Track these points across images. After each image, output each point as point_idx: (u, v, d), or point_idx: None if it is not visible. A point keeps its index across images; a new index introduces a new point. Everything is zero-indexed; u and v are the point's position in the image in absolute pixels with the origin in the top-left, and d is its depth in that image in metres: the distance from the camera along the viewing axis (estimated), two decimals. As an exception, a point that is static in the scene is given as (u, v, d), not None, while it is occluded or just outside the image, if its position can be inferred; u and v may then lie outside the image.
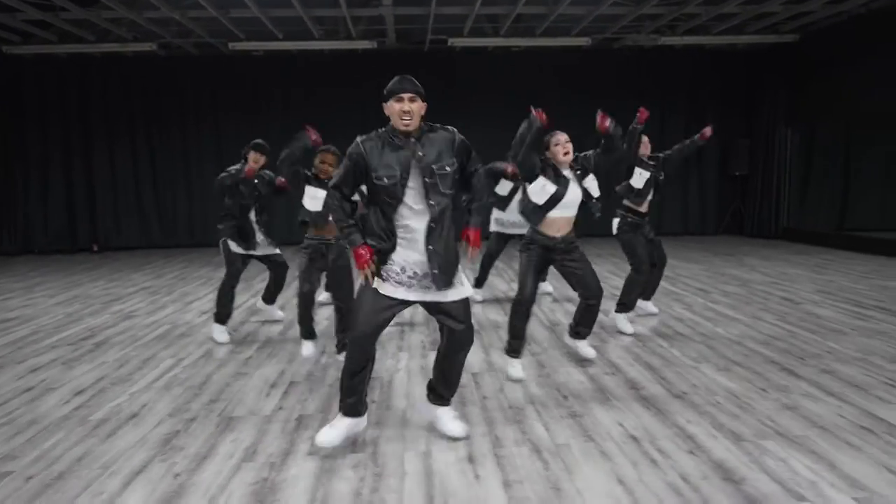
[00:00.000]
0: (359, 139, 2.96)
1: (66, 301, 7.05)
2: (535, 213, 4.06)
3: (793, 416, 3.44)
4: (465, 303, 3.07)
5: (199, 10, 9.01)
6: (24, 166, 11.57)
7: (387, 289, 2.94)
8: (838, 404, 3.60)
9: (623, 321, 5.25)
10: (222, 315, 5.25)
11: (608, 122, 4.10)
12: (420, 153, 2.89)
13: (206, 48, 11.28)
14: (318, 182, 4.42)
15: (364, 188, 3.09)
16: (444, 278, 2.96)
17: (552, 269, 4.72)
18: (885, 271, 7.99)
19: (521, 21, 10.45)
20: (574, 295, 6.39)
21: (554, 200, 3.99)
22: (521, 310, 4.14)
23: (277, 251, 5.42)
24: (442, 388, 3.25)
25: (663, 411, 3.55)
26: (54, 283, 8.24)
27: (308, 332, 4.69)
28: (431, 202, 2.90)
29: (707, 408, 3.58)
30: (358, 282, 3.08)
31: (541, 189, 4.00)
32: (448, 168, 2.94)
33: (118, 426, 3.48)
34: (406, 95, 2.86)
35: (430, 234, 2.91)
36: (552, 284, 7.01)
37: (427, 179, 2.89)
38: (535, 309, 6.15)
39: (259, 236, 5.25)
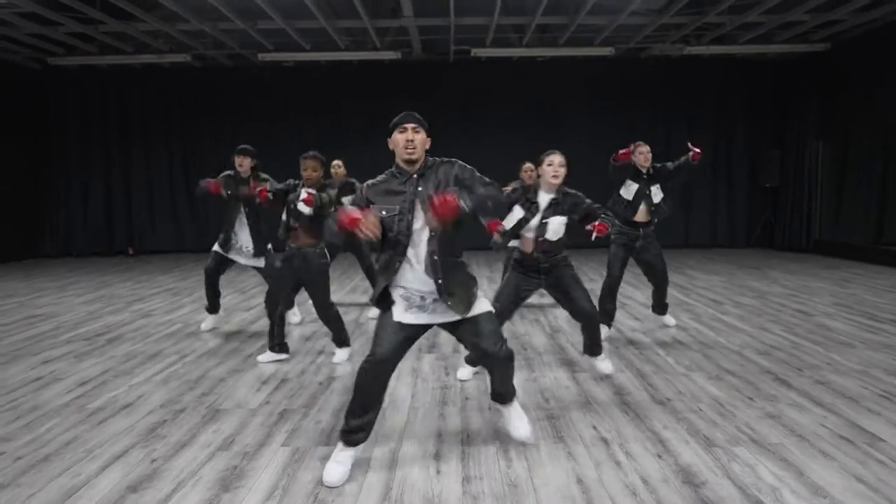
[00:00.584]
0: (364, 185, 3.00)
1: (92, 300, 7.35)
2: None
3: (773, 424, 3.39)
4: (490, 317, 2.98)
5: (229, 23, 9.34)
6: (65, 172, 12.12)
7: (407, 318, 2.88)
8: (824, 414, 3.52)
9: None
10: (208, 305, 5.68)
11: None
12: (420, 188, 2.85)
13: (237, 59, 11.66)
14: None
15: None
16: (460, 305, 2.87)
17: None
18: (914, 286, 7.72)
19: (545, 31, 10.50)
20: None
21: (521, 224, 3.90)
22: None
23: (262, 265, 5.53)
24: (501, 390, 3.17)
25: (641, 416, 3.53)
26: (86, 284, 8.60)
27: (278, 345, 4.69)
28: (432, 234, 2.82)
29: (687, 414, 3.55)
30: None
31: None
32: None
33: (111, 415, 3.64)
34: (409, 126, 2.88)
35: (435, 264, 2.82)
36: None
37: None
38: (539, 315, 6.19)
39: (245, 245, 5.49)
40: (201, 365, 4.65)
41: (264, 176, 5.45)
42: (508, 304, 4.03)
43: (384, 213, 2.84)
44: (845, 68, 10.56)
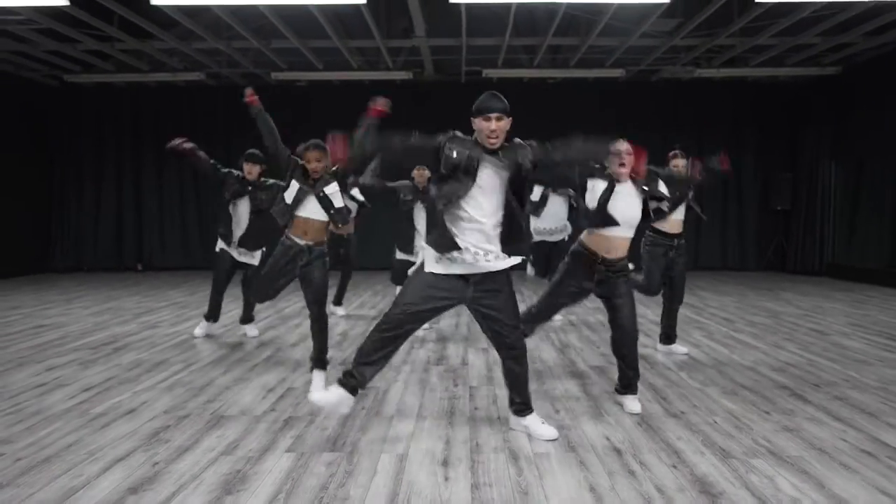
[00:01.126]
0: (447, 135, 3.14)
1: (99, 312, 7.33)
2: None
3: (791, 437, 3.29)
4: (513, 302, 3.22)
5: (243, 42, 9.46)
6: (78, 187, 12.22)
7: (440, 268, 3.06)
8: (843, 429, 3.42)
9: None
10: (208, 311, 5.75)
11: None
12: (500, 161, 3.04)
13: (251, 78, 11.77)
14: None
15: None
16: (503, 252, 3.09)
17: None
18: (931, 309, 7.59)
19: (556, 52, 10.56)
20: (592, 320, 6.27)
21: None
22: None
23: (255, 262, 5.66)
24: (518, 398, 3.36)
25: (654, 428, 3.44)
26: (94, 297, 8.59)
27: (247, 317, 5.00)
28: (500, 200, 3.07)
29: (702, 426, 3.46)
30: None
31: None
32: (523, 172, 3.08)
33: (113, 419, 3.59)
34: (494, 116, 3.01)
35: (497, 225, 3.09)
36: (574, 311, 6.95)
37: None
38: (550, 332, 6.11)
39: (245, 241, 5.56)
40: (207, 373, 4.59)
41: (270, 182, 5.53)
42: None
43: (455, 154, 3.02)
44: (857, 92, 10.55)
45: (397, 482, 2.77)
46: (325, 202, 4.17)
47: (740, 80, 11.60)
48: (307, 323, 5.99)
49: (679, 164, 5.07)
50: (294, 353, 5.21)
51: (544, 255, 6.41)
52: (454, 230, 3.06)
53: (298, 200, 4.15)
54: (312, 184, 4.21)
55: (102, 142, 12.22)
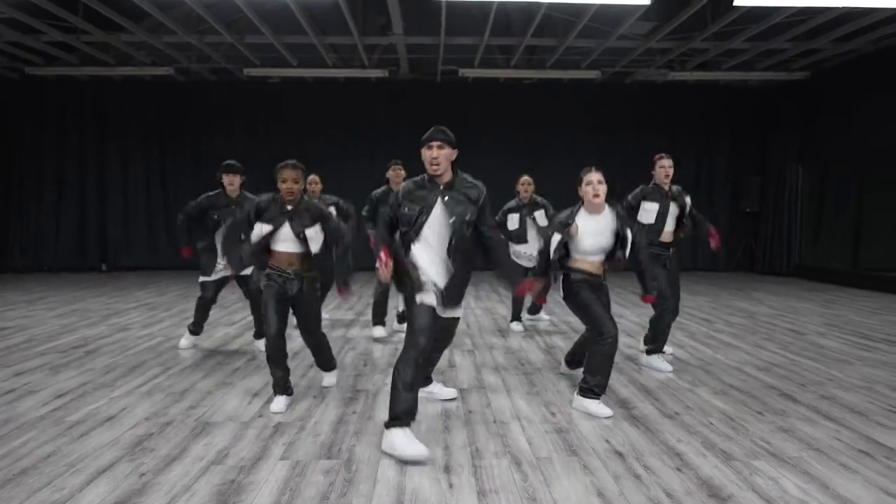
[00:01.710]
0: (401, 187, 3.41)
1: (64, 314, 7.04)
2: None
3: (788, 438, 3.30)
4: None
5: (216, 36, 9.22)
6: (39, 185, 11.77)
7: (431, 303, 3.21)
8: (836, 428, 3.45)
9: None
10: (194, 324, 5.32)
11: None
12: (446, 199, 3.25)
13: (222, 74, 11.51)
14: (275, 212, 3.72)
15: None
16: (451, 301, 3.29)
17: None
18: (897, 308, 7.80)
19: (532, 53, 10.56)
20: (573, 322, 6.25)
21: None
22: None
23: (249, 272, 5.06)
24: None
25: (652, 430, 3.42)
26: (58, 298, 8.26)
27: (282, 386, 3.77)
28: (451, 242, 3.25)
29: (699, 428, 3.45)
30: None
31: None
32: (467, 217, 3.26)
33: (92, 427, 3.41)
34: (434, 144, 3.22)
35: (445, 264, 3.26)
36: (554, 310, 6.93)
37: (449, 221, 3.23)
38: (534, 333, 6.08)
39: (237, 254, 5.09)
40: (186, 378, 4.42)
41: (249, 196, 5.19)
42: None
43: (406, 209, 3.27)
44: (823, 97, 10.81)
45: (400, 491, 2.68)
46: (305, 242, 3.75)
47: (712, 84, 11.79)
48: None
49: (665, 164, 5.03)
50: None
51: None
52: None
53: (273, 234, 3.73)
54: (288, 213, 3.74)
55: (64, 137, 11.79)
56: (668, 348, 5.16)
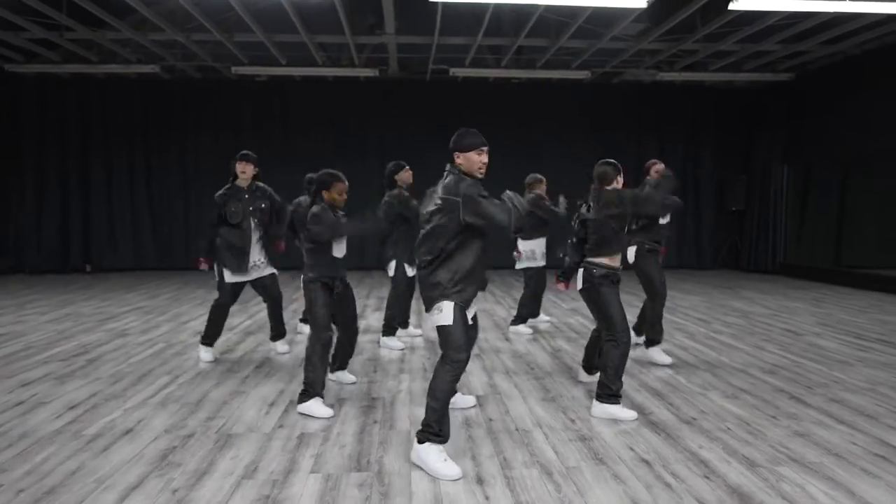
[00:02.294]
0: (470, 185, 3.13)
1: (57, 319, 6.91)
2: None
3: (805, 443, 3.38)
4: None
5: (205, 34, 9.09)
6: (19, 185, 11.50)
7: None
8: (850, 432, 3.53)
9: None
10: (209, 337, 5.11)
11: None
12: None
13: (208, 72, 11.35)
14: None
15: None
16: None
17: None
18: (883, 306, 8.00)
19: (523, 53, 10.58)
20: (573, 322, 6.29)
21: None
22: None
23: (272, 271, 5.12)
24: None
25: (673, 436, 3.47)
26: (46, 302, 8.10)
27: (321, 386, 3.89)
28: None
29: (718, 433, 3.51)
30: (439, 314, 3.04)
31: None
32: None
33: (112, 441, 3.36)
34: (486, 149, 3.19)
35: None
36: (550, 313, 6.98)
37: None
38: (538, 336, 6.12)
39: (256, 257, 5.00)
40: (198, 386, 4.38)
41: (262, 185, 5.14)
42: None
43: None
44: (808, 98, 11.01)
45: (437, 503, 2.69)
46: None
47: (699, 84, 11.93)
48: (288, 328, 5.79)
49: (660, 168, 5.18)
50: (283, 362, 5.04)
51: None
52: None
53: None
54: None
55: (45, 136, 11.52)
56: (665, 357, 5.25)
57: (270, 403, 4.02)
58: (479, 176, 3.16)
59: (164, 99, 11.68)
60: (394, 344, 5.54)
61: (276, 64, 10.45)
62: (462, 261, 3.05)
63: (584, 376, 4.52)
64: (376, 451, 3.24)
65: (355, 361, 5.07)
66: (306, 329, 5.58)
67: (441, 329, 3.04)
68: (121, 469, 3.01)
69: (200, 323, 6.57)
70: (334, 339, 4.10)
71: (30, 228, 11.55)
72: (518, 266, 6.22)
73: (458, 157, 3.16)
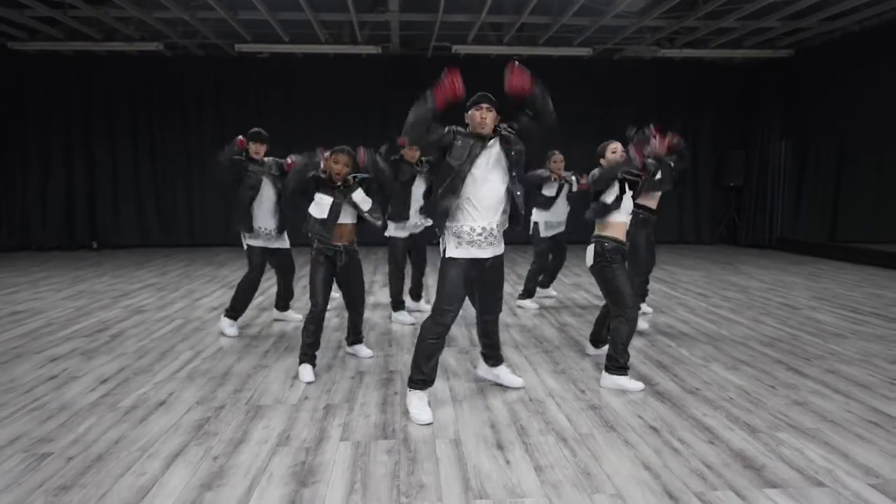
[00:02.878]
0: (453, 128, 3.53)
1: (73, 296, 7.07)
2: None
3: (803, 411, 3.58)
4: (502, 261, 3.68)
5: (209, 11, 9.11)
6: (23, 162, 11.57)
7: (460, 252, 3.44)
8: (845, 401, 3.74)
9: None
10: (235, 310, 5.31)
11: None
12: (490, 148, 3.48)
13: (211, 49, 11.36)
14: (327, 188, 4.13)
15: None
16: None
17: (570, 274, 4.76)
18: (877, 280, 8.21)
19: (525, 30, 10.62)
20: (577, 297, 6.43)
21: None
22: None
23: (286, 245, 5.34)
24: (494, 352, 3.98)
25: (679, 405, 3.67)
26: (59, 279, 8.25)
27: (310, 355, 4.21)
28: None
29: (720, 402, 3.72)
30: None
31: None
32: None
33: (148, 413, 3.55)
34: (484, 105, 3.49)
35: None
36: (554, 289, 7.16)
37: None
38: (543, 311, 6.30)
39: (265, 227, 5.16)
40: (221, 361, 4.56)
41: (270, 160, 5.28)
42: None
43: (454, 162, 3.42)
44: (806, 74, 11.10)
45: (462, 467, 2.89)
46: (358, 209, 4.21)
47: (697, 60, 11.99)
48: (299, 304, 5.99)
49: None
50: (301, 337, 5.21)
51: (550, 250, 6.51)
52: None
53: (335, 213, 4.13)
54: (342, 191, 4.15)
55: (48, 113, 11.55)
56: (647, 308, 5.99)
57: (293, 376, 4.20)
58: (481, 130, 3.45)
59: (167, 76, 11.70)
60: (403, 318, 5.76)
61: (279, 41, 10.47)
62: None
63: (591, 349, 4.71)
64: (400, 421, 3.43)
65: (370, 336, 5.26)
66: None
67: None
68: (160, 438, 3.19)
69: (213, 300, 6.77)
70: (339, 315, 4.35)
71: (35, 205, 11.65)
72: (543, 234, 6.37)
73: (465, 117, 3.53)
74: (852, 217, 12.37)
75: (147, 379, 4.15)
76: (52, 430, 3.29)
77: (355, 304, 4.49)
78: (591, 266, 4.13)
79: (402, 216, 5.68)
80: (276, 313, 5.84)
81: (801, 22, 9.52)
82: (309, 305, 4.21)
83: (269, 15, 9.09)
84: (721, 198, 12.78)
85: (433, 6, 8.88)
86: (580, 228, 4.98)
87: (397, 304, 5.83)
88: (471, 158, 3.38)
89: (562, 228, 6.44)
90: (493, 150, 3.45)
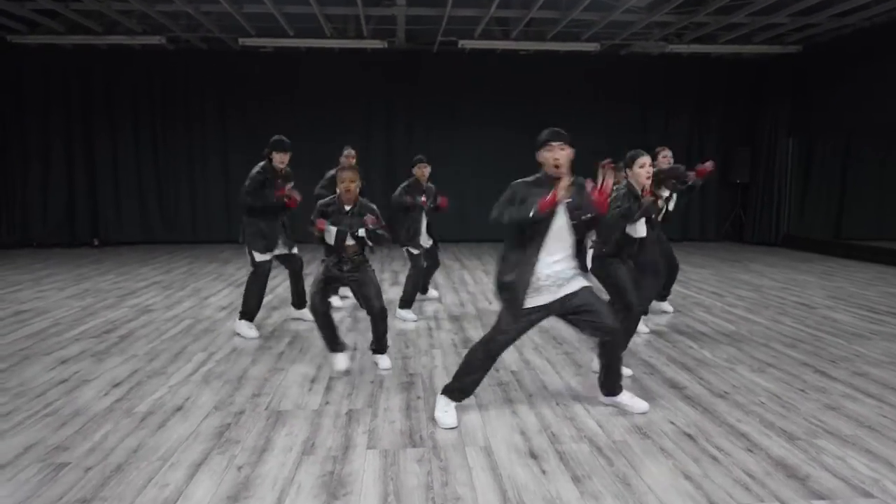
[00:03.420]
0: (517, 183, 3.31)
1: (77, 294, 6.94)
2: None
3: (837, 415, 3.50)
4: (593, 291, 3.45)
5: (213, 5, 8.96)
6: (23, 157, 11.40)
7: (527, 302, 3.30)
8: (878, 405, 3.66)
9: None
10: (249, 312, 5.22)
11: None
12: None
13: (214, 43, 11.20)
14: (336, 212, 4.11)
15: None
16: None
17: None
18: (889, 279, 8.14)
19: (532, 25, 10.49)
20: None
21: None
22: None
23: (294, 251, 5.47)
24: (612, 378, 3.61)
25: (710, 410, 3.59)
26: (62, 276, 8.12)
27: (333, 345, 4.26)
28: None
29: (752, 407, 3.63)
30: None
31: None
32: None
33: (165, 418, 3.44)
34: (556, 144, 3.22)
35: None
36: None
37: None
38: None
39: (280, 238, 5.28)
40: (235, 363, 4.45)
41: (288, 170, 5.25)
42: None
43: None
44: (814, 70, 11.01)
45: (497, 477, 2.79)
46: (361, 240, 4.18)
47: (704, 56, 11.89)
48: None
49: (668, 154, 5.35)
50: (315, 340, 5.10)
51: None
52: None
53: (341, 241, 4.10)
54: (349, 218, 4.13)
55: (48, 107, 11.38)
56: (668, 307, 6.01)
57: (312, 380, 4.10)
58: (552, 173, 3.23)
59: (170, 70, 11.54)
60: (407, 316, 5.81)
61: (284, 35, 10.32)
62: None
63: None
64: (426, 427, 3.34)
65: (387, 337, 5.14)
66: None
67: None
68: (181, 446, 3.09)
69: (220, 298, 6.67)
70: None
71: (35, 201, 11.49)
72: None
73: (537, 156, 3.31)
74: (857, 215, 12.31)
75: (161, 382, 4.04)
76: (68, 438, 3.18)
77: (372, 313, 4.30)
78: (591, 268, 4.02)
79: (414, 242, 5.93)
80: (293, 312, 5.77)
81: (811, 18, 9.41)
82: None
83: (274, 8, 8.93)
84: (727, 194, 12.70)
85: (441, 0, 8.75)
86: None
87: (406, 304, 5.81)
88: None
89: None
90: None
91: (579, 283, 3.39)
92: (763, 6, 8.75)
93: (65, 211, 11.57)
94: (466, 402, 3.70)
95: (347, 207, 4.11)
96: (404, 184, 5.99)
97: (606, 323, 3.40)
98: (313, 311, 4.22)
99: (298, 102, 11.64)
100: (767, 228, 12.04)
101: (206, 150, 11.64)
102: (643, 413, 3.51)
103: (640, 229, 3.99)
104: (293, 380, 4.10)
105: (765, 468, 2.88)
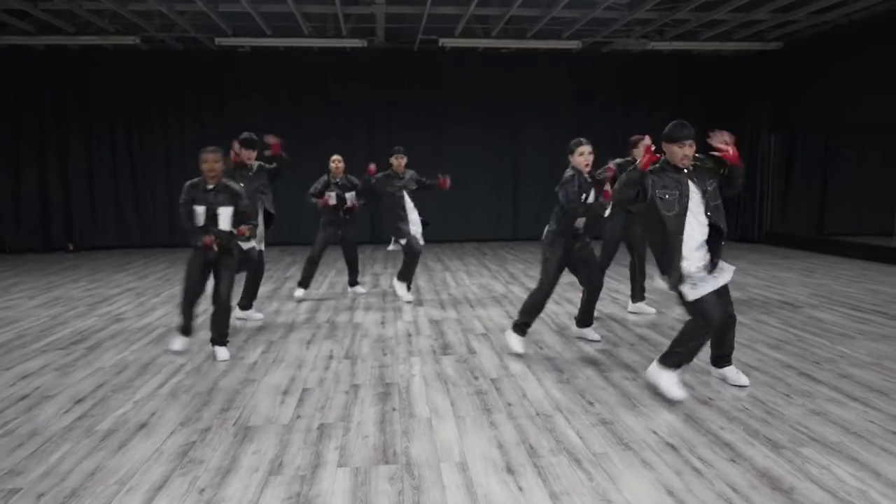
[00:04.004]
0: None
1: (47, 303, 6.74)
2: None
3: (823, 421, 3.42)
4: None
5: (187, 4, 8.78)
6: (-6, 162, 11.13)
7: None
8: (864, 409, 3.58)
9: None
10: (249, 303, 5.84)
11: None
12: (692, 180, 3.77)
13: (190, 43, 10.99)
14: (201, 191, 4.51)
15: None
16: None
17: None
18: (871, 275, 8.12)
19: (513, 23, 10.38)
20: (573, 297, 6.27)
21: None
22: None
23: (254, 246, 5.58)
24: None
25: (693, 417, 3.49)
26: (32, 284, 7.90)
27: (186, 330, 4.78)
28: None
29: (736, 414, 3.54)
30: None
31: None
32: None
33: (128, 437, 3.29)
34: (688, 143, 3.62)
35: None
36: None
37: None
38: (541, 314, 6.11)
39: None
40: (205, 375, 4.30)
41: (259, 163, 5.38)
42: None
43: (667, 196, 3.65)
44: (794, 67, 11.00)
45: (472, 496, 2.67)
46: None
47: (686, 53, 11.85)
48: (285, 309, 5.91)
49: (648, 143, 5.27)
50: (290, 348, 4.97)
51: None
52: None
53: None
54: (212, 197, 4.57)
55: (19, 110, 11.12)
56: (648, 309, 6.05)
57: (284, 392, 3.96)
58: (681, 166, 3.66)
59: (145, 71, 11.31)
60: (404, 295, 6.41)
61: (261, 35, 10.14)
62: None
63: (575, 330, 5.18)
64: (401, 442, 3.21)
65: (363, 344, 5.02)
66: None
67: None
68: (141, 468, 2.94)
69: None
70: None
71: (7, 206, 11.22)
72: None
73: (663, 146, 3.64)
74: (838, 211, 12.34)
75: (126, 397, 3.88)
76: (22, 461, 3.02)
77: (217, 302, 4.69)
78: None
79: (398, 230, 6.26)
80: (238, 313, 5.82)
81: (792, 14, 9.40)
82: (234, 303, 4.89)
83: (251, 7, 8.76)
84: (710, 192, 12.65)
85: (419, -2, 8.62)
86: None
87: (401, 276, 6.53)
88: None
89: None
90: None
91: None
92: (744, 2, 8.71)
93: (38, 216, 11.31)
94: (443, 412, 3.59)
95: (210, 186, 4.47)
96: (381, 174, 6.36)
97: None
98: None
99: (277, 103, 11.46)
100: (751, 225, 12.04)
101: (183, 152, 11.41)
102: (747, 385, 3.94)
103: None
104: (265, 392, 3.96)
105: (749, 480, 2.78)
